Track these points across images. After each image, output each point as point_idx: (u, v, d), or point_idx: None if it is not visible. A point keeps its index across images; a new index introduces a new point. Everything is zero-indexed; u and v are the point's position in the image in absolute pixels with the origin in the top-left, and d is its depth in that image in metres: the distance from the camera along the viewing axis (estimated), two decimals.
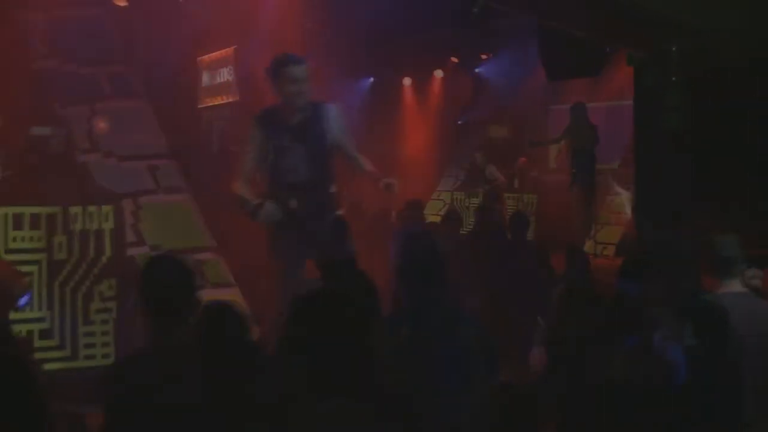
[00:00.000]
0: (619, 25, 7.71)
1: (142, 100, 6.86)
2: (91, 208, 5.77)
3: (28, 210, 5.66)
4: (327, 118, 4.98)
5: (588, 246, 10.53)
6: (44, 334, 5.62)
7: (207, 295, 5.99)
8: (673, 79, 8.25)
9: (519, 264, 6.95)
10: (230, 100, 12.95)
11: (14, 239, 5.61)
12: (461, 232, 9.04)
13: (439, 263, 3.86)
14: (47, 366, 5.53)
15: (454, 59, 12.92)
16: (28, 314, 5.43)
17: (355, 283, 3.92)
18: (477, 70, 13.34)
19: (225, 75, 12.96)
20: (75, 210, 5.78)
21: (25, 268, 5.47)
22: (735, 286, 3.71)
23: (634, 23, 7.65)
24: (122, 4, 11.48)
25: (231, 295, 6.00)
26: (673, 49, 8.08)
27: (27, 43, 6.43)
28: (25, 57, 6.39)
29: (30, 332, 5.53)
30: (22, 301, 5.10)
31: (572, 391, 3.46)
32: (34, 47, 6.49)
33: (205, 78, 13.56)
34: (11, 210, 5.63)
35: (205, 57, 13.48)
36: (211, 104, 13.55)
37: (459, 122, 14.36)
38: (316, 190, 4.96)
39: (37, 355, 5.44)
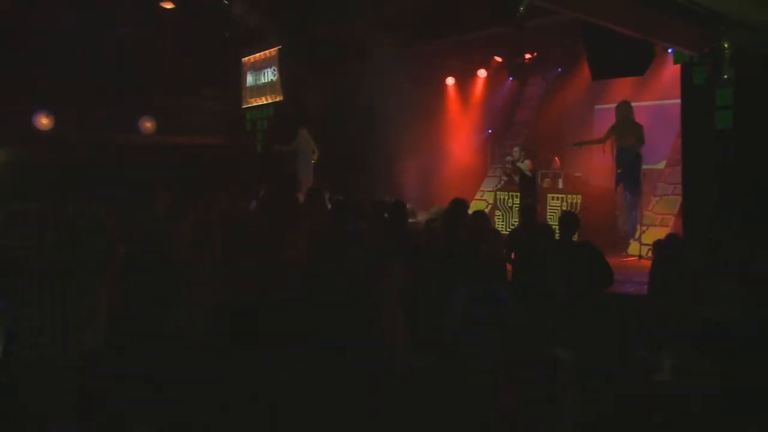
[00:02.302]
0: (669, 23, 7.38)
1: None
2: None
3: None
4: None
5: (633, 248, 10.14)
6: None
7: None
8: (725, 77, 7.84)
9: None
10: (274, 99, 13.02)
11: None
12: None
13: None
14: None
15: (498, 59, 12.66)
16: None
17: None
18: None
19: (269, 75, 13.03)
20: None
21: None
22: None
23: (683, 20, 7.31)
24: (169, 6, 11.56)
25: None
26: (725, 46, 7.68)
27: None
28: None
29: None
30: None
31: None
32: None
33: (249, 78, 13.66)
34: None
35: (250, 57, 13.58)
36: (255, 104, 13.64)
37: (489, 131, 14.15)
38: None
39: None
